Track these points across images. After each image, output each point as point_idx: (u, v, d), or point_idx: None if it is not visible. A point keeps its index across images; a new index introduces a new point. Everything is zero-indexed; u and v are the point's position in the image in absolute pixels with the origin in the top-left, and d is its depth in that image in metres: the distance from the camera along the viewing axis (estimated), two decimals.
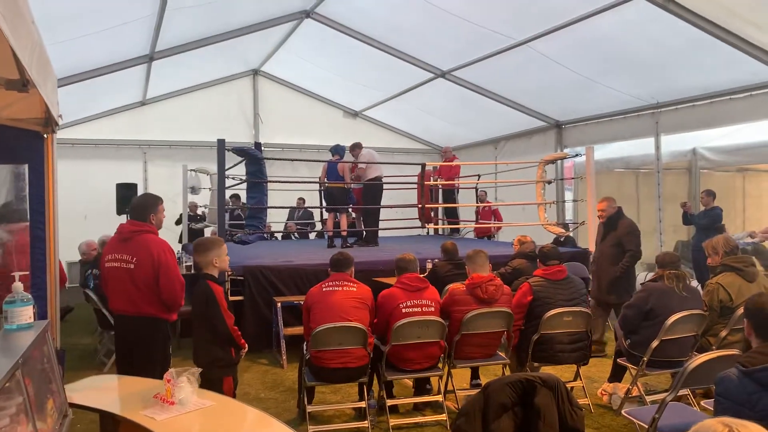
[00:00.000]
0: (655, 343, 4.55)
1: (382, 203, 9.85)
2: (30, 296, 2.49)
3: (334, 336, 4.37)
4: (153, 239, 4.05)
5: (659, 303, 4.69)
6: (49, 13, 6.69)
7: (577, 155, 10.01)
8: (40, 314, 3.92)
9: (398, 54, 10.73)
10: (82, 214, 10.73)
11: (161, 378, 3.00)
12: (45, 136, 4.37)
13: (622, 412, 3.85)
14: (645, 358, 4.60)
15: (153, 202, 4.21)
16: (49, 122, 4.29)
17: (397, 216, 10.98)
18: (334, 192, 9.46)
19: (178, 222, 11.60)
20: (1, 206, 4.33)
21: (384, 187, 9.74)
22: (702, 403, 4.35)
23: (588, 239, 8.95)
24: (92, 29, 8.18)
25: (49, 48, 3.30)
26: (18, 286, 2.47)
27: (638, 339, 4.78)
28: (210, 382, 3.50)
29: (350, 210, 10.75)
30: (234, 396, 3.87)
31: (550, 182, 10.24)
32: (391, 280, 5.07)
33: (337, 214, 9.64)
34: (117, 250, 4.07)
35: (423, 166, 10.37)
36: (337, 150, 9.56)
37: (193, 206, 11.85)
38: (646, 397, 4.71)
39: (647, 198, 11.23)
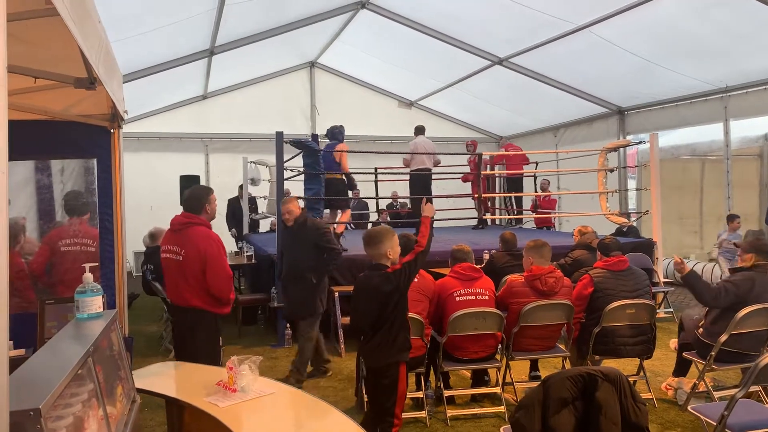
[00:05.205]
0: (723, 338, 4.37)
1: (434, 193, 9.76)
2: (99, 287, 2.59)
3: None
4: (201, 231, 4.04)
5: (759, 292, 4.45)
6: (113, 12, 6.92)
7: (640, 142, 9.70)
8: (109, 303, 4.08)
9: (454, 42, 10.62)
10: (148, 205, 11.09)
11: None
12: (112, 131, 4.54)
13: (689, 407, 3.73)
14: (713, 353, 4.43)
15: (205, 193, 4.20)
16: (116, 118, 4.45)
17: (454, 207, 10.88)
18: (333, 183, 8.04)
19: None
20: (72, 199, 4.53)
21: (436, 178, 9.63)
22: None
23: (652, 229, 8.69)
24: (155, 25, 8.42)
25: (113, 45, 3.41)
26: (88, 276, 2.57)
27: (716, 329, 4.52)
28: (387, 366, 3.56)
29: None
30: (406, 383, 3.74)
31: (612, 170, 9.96)
32: (447, 271, 5.05)
33: (339, 211, 8.38)
34: (170, 241, 4.12)
35: (480, 156, 10.26)
36: (333, 134, 8.23)
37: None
38: (714, 393, 4.55)
39: (713, 186, 10.82)
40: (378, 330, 3.58)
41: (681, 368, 5.09)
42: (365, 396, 3.92)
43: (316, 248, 5.52)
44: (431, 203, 4.02)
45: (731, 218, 8.96)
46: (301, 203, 6.32)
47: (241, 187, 11.77)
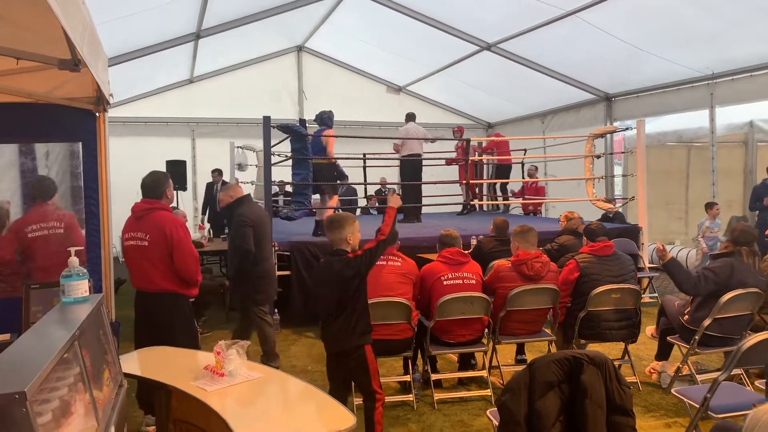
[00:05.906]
0: (707, 322, 4.42)
1: (425, 179, 9.79)
2: (85, 271, 2.56)
3: (378, 310, 4.39)
4: (165, 216, 4.11)
5: (739, 278, 4.51)
6: None
7: (627, 129, 9.73)
8: (96, 288, 4.05)
9: (442, 27, 10.57)
10: (134, 190, 10.97)
11: None
12: (97, 114, 4.48)
13: (672, 390, 3.78)
14: (696, 337, 4.48)
15: (165, 179, 4.26)
16: (101, 101, 4.39)
17: (442, 193, 10.90)
18: (321, 168, 7.93)
19: None
20: (57, 183, 4.48)
21: (425, 164, 9.64)
22: (756, 383, 4.24)
23: (638, 215, 8.75)
24: (140, 8, 8.30)
25: (98, 28, 3.36)
26: (74, 260, 2.54)
27: (701, 315, 4.56)
28: (359, 348, 3.60)
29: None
30: (375, 359, 3.73)
31: (599, 157, 10.00)
32: (435, 256, 5.07)
33: (326, 195, 8.17)
34: (132, 228, 4.14)
35: (467, 141, 10.25)
36: (322, 119, 8.04)
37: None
38: (697, 376, 4.61)
39: (699, 172, 10.90)
40: (338, 316, 3.61)
41: (663, 352, 5.16)
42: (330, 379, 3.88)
43: (233, 241, 5.20)
44: (399, 196, 4.04)
45: (709, 205, 9.07)
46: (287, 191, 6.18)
47: (214, 171, 11.75)
